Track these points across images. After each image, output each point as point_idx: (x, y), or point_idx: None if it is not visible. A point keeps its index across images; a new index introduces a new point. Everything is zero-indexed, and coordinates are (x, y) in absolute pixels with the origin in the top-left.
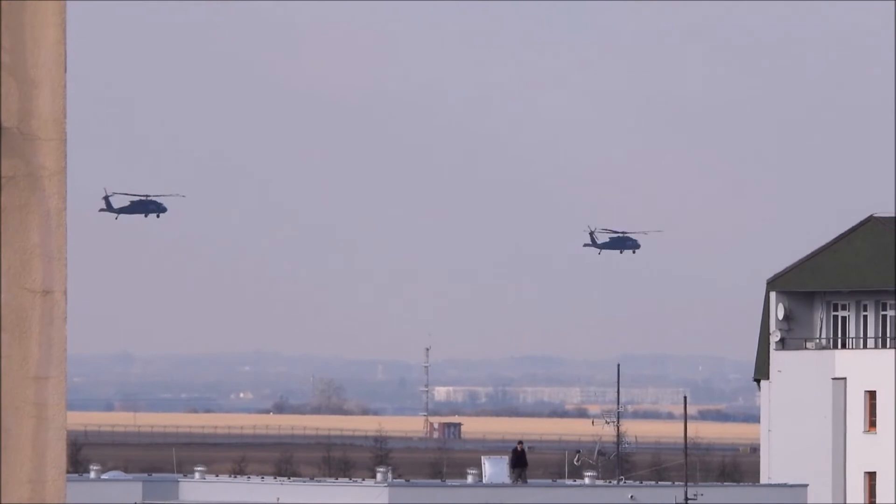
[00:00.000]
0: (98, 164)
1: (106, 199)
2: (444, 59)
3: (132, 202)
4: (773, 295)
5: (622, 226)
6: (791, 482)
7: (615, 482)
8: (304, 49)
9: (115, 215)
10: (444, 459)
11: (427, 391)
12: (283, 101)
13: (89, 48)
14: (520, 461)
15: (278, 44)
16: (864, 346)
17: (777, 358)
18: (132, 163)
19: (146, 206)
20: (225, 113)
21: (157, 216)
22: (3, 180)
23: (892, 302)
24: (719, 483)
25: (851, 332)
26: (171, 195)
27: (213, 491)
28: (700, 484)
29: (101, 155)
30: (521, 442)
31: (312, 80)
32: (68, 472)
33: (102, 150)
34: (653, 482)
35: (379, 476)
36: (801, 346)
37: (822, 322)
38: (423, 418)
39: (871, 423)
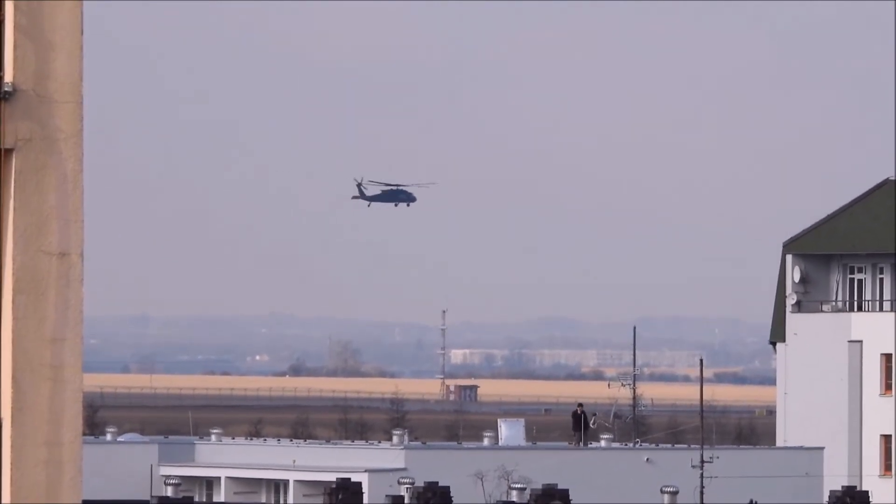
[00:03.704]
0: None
1: (359, 186)
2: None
3: (383, 191)
4: (789, 257)
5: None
6: (807, 445)
7: (631, 445)
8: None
9: (368, 203)
10: (461, 422)
11: (444, 354)
12: (277, 62)
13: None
14: (580, 424)
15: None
16: (881, 309)
17: (793, 321)
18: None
19: (396, 196)
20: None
21: (408, 205)
22: (19, 143)
23: None
24: (735, 446)
25: (868, 294)
26: (421, 184)
27: (230, 453)
28: (716, 447)
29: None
30: (580, 405)
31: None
32: (84, 433)
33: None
34: (669, 445)
35: (395, 438)
36: (817, 309)
37: (838, 285)
38: (440, 381)
39: (888, 386)
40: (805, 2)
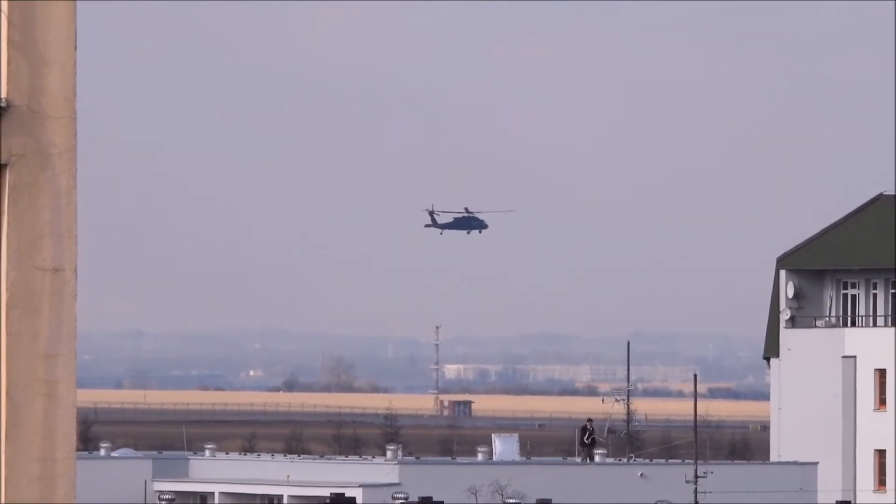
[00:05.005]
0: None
1: (431, 214)
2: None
3: (455, 218)
4: (783, 273)
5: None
6: (801, 460)
7: (625, 460)
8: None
9: (440, 231)
10: (455, 437)
11: (437, 369)
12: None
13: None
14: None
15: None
16: (874, 325)
17: (787, 336)
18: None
19: (468, 223)
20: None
21: (480, 232)
22: (13, 158)
23: None
24: (729, 461)
25: (861, 310)
26: (497, 211)
27: (223, 468)
28: (710, 462)
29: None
30: (590, 419)
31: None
32: (78, 449)
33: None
34: (663, 460)
35: (389, 454)
36: (810, 325)
37: (831, 300)
38: (434, 396)
39: (881, 402)
40: (802, 3)
